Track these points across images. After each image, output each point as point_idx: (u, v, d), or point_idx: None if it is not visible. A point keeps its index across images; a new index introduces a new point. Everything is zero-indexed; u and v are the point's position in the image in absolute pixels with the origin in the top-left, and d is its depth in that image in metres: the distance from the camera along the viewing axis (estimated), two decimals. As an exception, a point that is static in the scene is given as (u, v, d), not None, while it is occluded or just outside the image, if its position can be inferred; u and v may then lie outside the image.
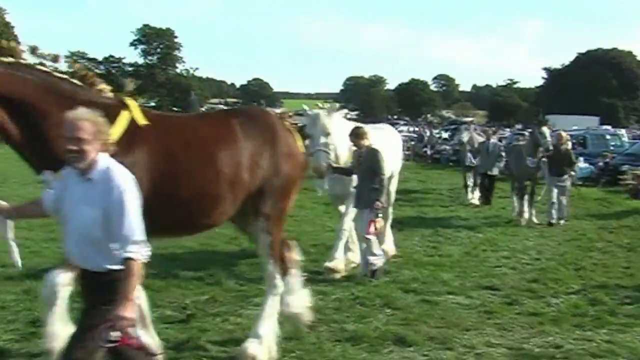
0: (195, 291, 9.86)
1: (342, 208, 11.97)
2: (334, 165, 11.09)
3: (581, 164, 30.31)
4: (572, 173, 18.17)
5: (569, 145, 27.11)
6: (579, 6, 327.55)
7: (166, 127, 6.64)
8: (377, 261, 10.96)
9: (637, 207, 20.52)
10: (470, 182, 22.35)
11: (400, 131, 51.56)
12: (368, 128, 11.99)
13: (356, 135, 11.00)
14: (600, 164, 30.11)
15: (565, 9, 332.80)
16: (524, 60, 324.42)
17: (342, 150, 11.46)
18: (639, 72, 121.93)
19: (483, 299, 9.92)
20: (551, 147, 17.27)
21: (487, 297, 10.01)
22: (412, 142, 44.94)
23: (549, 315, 9.09)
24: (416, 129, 60.73)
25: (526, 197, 17.73)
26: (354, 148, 11.20)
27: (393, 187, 13.23)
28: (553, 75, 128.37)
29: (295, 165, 7.35)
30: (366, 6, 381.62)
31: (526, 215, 17.60)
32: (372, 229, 10.85)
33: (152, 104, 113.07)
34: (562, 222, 17.10)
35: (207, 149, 6.60)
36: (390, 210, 13.31)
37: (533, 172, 17.87)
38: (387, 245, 12.45)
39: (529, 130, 22.82)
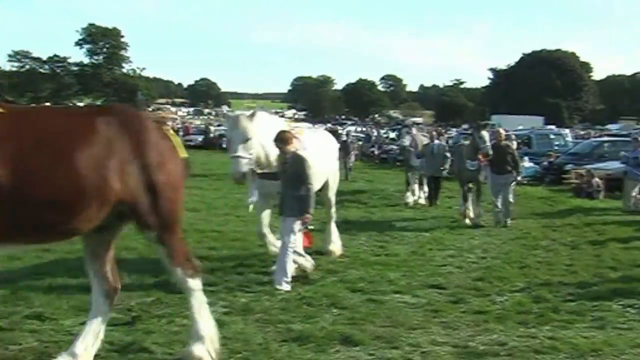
0: (141, 293, 9.76)
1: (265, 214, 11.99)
2: (258, 171, 10.88)
3: (526, 163, 30.74)
4: (516, 174, 17.63)
5: (514, 144, 27.55)
6: (525, 7, 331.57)
7: (19, 120, 6.10)
8: (289, 275, 10.32)
9: (580, 206, 20.88)
10: (415, 184, 22.21)
11: (348, 131, 51.93)
12: (303, 130, 12.00)
13: (281, 140, 10.48)
14: (545, 163, 30.58)
15: (512, 10, 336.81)
16: (471, 61, 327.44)
17: (273, 153, 10.99)
18: (582, 73, 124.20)
19: (429, 297, 9.96)
20: (491, 152, 16.99)
21: (433, 296, 10.05)
22: (360, 142, 45.20)
23: (493, 313, 9.15)
24: (364, 129, 60.96)
25: (471, 198, 17.79)
26: (280, 153, 10.72)
27: (332, 191, 12.96)
28: (499, 75, 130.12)
29: (171, 174, 6.88)
30: (314, 5, 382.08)
31: (471, 214, 17.61)
32: (305, 242, 11.00)
33: (99, 103, 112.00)
34: (509, 221, 16.98)
35: (63, 148, 6.05)
36: (333, 211, 13.09)
37: (474, 174, 17.70)
38: (334, 246, 12.49)
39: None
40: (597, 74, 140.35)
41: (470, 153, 17.40)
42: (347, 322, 8.59)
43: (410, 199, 21.59)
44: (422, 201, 21.77)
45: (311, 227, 10.94)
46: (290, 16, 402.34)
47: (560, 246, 14.36)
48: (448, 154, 20.92)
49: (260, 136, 10.69)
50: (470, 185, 17.85)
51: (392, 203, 21.63)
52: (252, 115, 10.70)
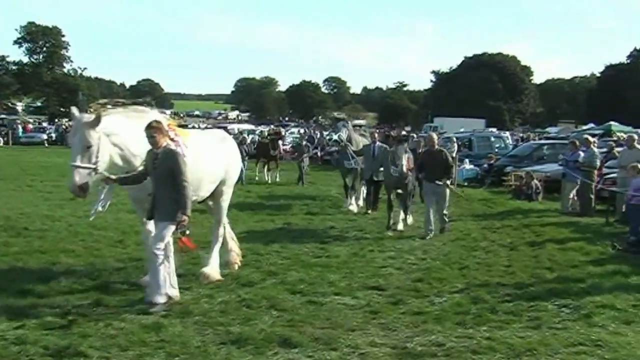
0: (79, 296, 9.64)
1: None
2: (112, 177, 9.45)
3: (467, 165, 31.13)
4: (448, 182, 16.74)
5: (455, 147, 27.80)
6: (467, 10, 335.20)
7: None
8: (164, 293, 9.24)
9: (519, 207, 21.13)
10: (354, 188, 20.97)
11: (291, 132, 51.71)
12: (187, 132, 11.14)
13: (151, 130, 9.19)
14: (485, 165, 30.89)
15: (453, 13, 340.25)
16: (414, 63, 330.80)
17: (136, 153, 9.71)
18: (522, 77, 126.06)
19: (369, 299, 10.00)
20: (404, 170, 16.26)
21: (373, 297, 10.09)
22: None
23: (432, 314, 9.23)
24: (307, 130, 60.95)
25: (399, 205, 17.25)
26: (150, 149, 9.42)
27: (224, 202, 11.60)
28: (441, 78, 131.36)
29: None
30: (257, 6, 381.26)
31: (400, 226, 16.78)
32: (181, 246, 9.84)
33: (38, 104, 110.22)
34: (446, 226, 16.43)
35: None
36: (221, 232, 11.48)
37: (401, 180, 16.61)
38: (210, 269, 10.90)
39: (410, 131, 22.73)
40: (537, 78, 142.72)
41: (394, 159, 16.34)
42: (286, 324, 8.60)
43: (353, 206, 20.38)
44: (354, 208, 20.33)
45: (188, 231, 9.74)
46: (233, 16, 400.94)
47: (499, 247, 14.51)
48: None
49: (118, 136, 9.42)
50: (399, 191, 17.06)
51: (334, 205, 21.62)
52: (96, 119, 9.13)
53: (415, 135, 31.33)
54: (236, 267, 11.68)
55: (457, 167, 29.22)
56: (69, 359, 7.18)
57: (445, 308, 9.53)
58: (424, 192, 17.25)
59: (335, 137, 21.72)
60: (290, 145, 47.44)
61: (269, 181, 30.42)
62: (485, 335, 8.29)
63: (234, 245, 11.98)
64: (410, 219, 17.49)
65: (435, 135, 17.78)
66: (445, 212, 16.55)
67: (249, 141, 39.12)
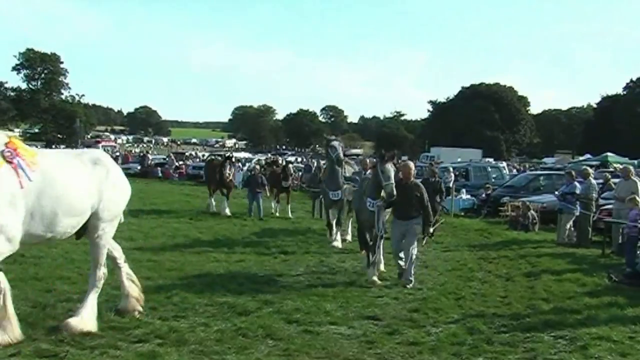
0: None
1: None
2: None
3: (464, 195, 31.20)
4: (426, 224, 14.32)
5: (452, 176, 27.84)
6: (462, 41, 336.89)
7: None
8: None
9: (515, 238, 21.15)
10: (341, 221, 19.20)
11: (289, 161, 51.73)
12: (34, 152, 8.83)
13: None
14: (482, 195, 30.93)
15: (449, 44, 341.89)
16: (411, 93, 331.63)
17: None
18: (519, 107, 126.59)
19: (365, 329, 9.97)
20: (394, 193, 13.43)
21: (369, 327, 10.07)
22: (300, 173, 45.27)
23: (428, 344, 9.21)
24: (304, 159, 61.04)
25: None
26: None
27: (101, 235, 9.98)
28: (438, 108, 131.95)
29: None
30: (255, 35, 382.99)
31: (381, 266, 14.71)
32: None
33: (36, 130, 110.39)
34: (409, 283, 13.38)
35: None
36: (99, 274, 10.05)
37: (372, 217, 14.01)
38: (129, 303, 10.12)
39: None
40: (534, 108, 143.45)
41: (371, 190, 14.02)
42: (282, 353, 8.58)
43: (338, 242, 18.56)
44: (339, 244, 18.48)
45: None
46: (231, 45, 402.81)
47: (495, 278, 14.51)
48: None
49: None
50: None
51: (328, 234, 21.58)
52: None
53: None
54: (137, 314, 10.08)
55: (453, 197, 29.32)
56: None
57: (441, 338, 9.50)
58: (391, 233, 14.42)
59: (342, 159, 19.20)
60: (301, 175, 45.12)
61: (277, 214, 27.35)
62: (481, 366, 8.28)
63: (132, 288, 10.35)
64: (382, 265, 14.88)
65: (411, 165, 14.85)
66: (413, 256, 13.66)
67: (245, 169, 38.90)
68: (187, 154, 75.39)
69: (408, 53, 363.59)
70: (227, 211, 26.05)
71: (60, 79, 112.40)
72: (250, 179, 28.16)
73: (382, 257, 14.75)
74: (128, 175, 39.12)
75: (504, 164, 53.85)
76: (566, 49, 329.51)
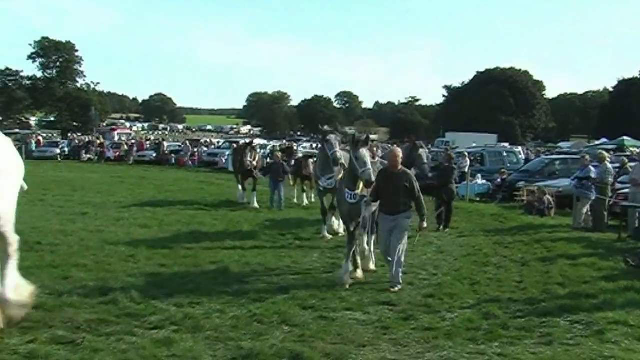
0: (89, 310, 9.63)
1: None
2: None
3: (479, 180, 31.09)
4: (420, 218, 12.27)
5: (467, 162, 27.66)
6: (475, 26, 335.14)
7: None
8: None
9: (531, 223, 21.05)
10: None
11: (304, 147, 51.47)
12: None
13: None
14: (497, 180, 30.81)
15: (464, 29, 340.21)
16: (426, 78, 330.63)
17: None
18: (535, 92, 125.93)
19: (380, 314, 9.99)
20: (373, 179, 12.02)
21: (384, 313, 10.08)
22: (316, 159, 45.32)
23: (443, 329, 9.20)
24: (319, 145, 60.98)
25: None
26: None
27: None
28: (453, 93, 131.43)
29: None
30: (269, 23, 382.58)
31: (371, 265, 13.45)
32: None
33: (51, 118, 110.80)
34: (395, 289, 11.57)
35: None
36: (13, 249, 9.33)
37: (355, 208, 12.52)
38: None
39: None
40: (549, 93, 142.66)
41: (348, 179, 12.69)
42: (297, 339, 8.59)
43: (326, 232, 17.54)
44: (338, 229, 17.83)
45: None
46: (246, 32, 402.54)
47: (510, 263, 14.46)
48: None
49: None
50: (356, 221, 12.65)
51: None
52: None
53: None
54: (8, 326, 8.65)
55: (469, 182, 29.22)
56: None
57: (457, 324, 9.50)
58: (379, 231, 12.85)
59: (339, 158, 16.19)
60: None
61: (305, 203, 25.67)
62: (497, 351, 8.26)
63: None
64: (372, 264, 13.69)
65: (398, 151, 12.72)
66: (401, 257, 12.01)
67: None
68: (202, 140, 75.40)
69: (423, 38, 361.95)
70: (256, 204, 24.29)
71: (75, 67, 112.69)
72: (271, 166, 26.30)
73: (373, 255, 13.62)
74: (144, 162, 39.77)
75: (520, 148, 53.57)
76: (582, 32, 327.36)
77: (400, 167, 12.24)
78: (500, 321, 9.62)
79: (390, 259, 11.98)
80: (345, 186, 12.64)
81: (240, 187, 26.28)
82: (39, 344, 7.96)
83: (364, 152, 12.14)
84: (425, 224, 12.34)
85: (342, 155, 16.05)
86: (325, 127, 17.63)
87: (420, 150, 19.05)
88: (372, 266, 13.41)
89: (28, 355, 7.61)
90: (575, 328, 9.40)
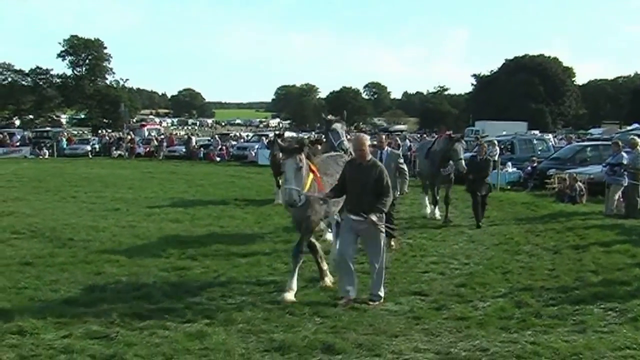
0: (123, 305, 9.72)
1: None
2: None
3: (509, 168, 30.90)
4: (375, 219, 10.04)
5: (497, 150, 27.59)
6: (504, 15, 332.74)
7: None
8: None
9: (562, 211, 20.89)
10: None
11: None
12: None
13: None
14: (528, 168, 30.60)
15: (490, 18, 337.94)
16: (454, 68, 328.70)
17: None
18: (564, 78, 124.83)
19: (411, 304, 9.98)
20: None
21: (416, 303, 10.07)
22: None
23: (475, 319, 9.18)
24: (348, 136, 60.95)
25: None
26: None
27: None
28: (482, 81, 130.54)
29: None
30: (296, 15, 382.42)
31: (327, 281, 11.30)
32: None
33: (82, 116, 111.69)
34: (373, 303, 10.03)
35: None
36: None
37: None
38: None
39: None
40: (580, 79, 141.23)
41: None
42: (329, 330, 8.61)
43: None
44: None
45: None
46: (273, 25, 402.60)
47: (542, 251, 14.37)
48: (404, 167, 15.09)
49: None
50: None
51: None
52: None
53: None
54: None
55: (499, 171, 29.05)
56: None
57: (489, 313, 9.47)
58: (340, 234, 11.04)
59: (344, 142, 15.57)
60: None
61: None
62: (530, 339, 8.22)
63: None
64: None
65: (364, 139, 10.51)
66: (382, 268, 10.37)
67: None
68: (231, 134, 75.59)
69: (451, 27, 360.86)
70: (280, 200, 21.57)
71: (104, 65, 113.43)
72: None
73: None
74: (174, 157, 39.88)
75: (550, 136, 53.12)
76: (611, 19, 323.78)
77: (369, 158, 10.30)
78: (533, 309, 9.57)
79: (349, 271, 10.15)
80: (441, 166, 11.69)
81: (278, 186, 23.13)
82: (73, 339, 8.05)
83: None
84: (375, 217, 9.88)
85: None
86: (330, 117, 16.95)
87: (456, 144, 18.67)
88: (327, 282, 11.28)
89: (63, 350, 7.69)
90: (609, 315, 9.31)
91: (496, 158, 30.17)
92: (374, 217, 9.83)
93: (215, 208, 21.21)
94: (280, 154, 11.12)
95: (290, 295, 10.15)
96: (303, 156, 10.38)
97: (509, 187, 29.56)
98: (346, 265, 10.15)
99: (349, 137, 15.84)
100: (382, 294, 10.20)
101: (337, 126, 16.11)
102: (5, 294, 10.24)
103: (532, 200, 24.20)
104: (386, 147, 15.23)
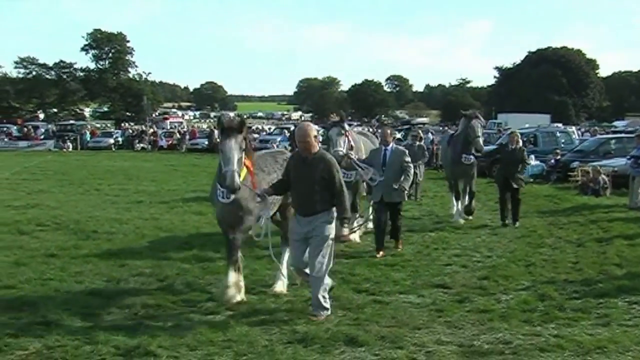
0: (146, 296, 9.79)
1: None
2: None
3: (532, 161, 30.72)
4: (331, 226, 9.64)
5: (520, 143, 27.44)
6: (526, 6, 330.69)
7: None
8: None
9: (586, 203, 20.80)
10: (356, 206, 14.89)
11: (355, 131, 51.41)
12: None
13: None
14: (551, 161, 30.46)
15: (513, 9, 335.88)
16: (476, 60, 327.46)
17: None
18: (588, 70, 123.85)
19: (434, 297, 9.96)
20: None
21: (438, 296, 10.06)
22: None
23: (498, 311, 9.15)
24: (370, 130, 60.88)
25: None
26: None
27: None
28: (504, 74, 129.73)
29: None
30: (317, 8, 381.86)
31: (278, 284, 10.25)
32: None
33: (105, 109, 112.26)
34: (316, 318, 8.73)
35: None
36: None
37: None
38: None
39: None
40: (603, 71, 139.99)
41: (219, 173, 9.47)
42: (352, 322, 8.62)
43: (355, 235, 14.32)
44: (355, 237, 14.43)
45: None
46: (293, 18, 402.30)
47: (565, 244, 14.30)
48: (410, 165, 13.60)
49: None
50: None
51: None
52: None
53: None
54: None
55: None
56: (139, 358, 7.29)
57: (512, 306, 9.45)
58: (289, 235, 9.82)
59: (339, 150, 13.95)
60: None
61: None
62: (553, 332, 8.20)
63: None
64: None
65: (309, 128, 9.18)
66: (323, 277, 8.94)
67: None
68: (253, 127, 75.68)
69: (472, 19, 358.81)
70: None
71: (127, 58, 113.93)
72: None
73: (283, 272, 10.35)
74: (196, 150, 40.00)
75: (574, 128, 52.77)
76: (635, 7, 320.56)
77: (316, 150, 9.06)
78: (556, 302, 9.54)
79: (308, 277, 9.14)
80: (218, 180, 9.41)
81: None
82: (98, 330, 8.10)
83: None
84: (346, 231, 9.52)
85: (357, 144, 14.70)
86: (332, 117, 15.12)
87: (473, 121, 17.38)
88: (278, 288, 10.20)
89: (88, 341, 7.74)
90: (634, 309, 9.27)
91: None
92: (345, 232, 9.31)
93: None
94: (219, 133, 9.48)
95: (231, 292, 9.37)
96: (242, 138, 9.19)
97: (531, 179, 29.42)
98: (299, 273, 9.46)
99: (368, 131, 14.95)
100: (326, 305, 8.93)
101: (333, 132, 14.42)
102: (31, 285, 10.33)
103: (555, 193, 24.11)
104: (391, 143, 13.88)
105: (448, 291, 10.33)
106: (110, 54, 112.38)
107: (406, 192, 13.76)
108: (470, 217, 17.39)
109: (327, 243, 8.92)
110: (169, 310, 9.11)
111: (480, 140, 17.34)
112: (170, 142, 59.04)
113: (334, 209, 9.04)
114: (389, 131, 14.27)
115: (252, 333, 8.12)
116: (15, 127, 69.51)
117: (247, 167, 9.44)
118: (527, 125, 48.88)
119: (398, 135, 48.87)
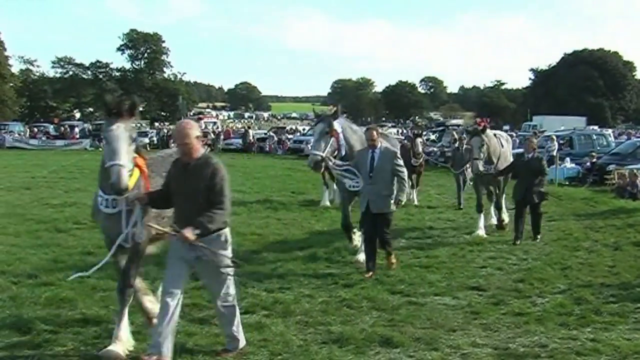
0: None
1: None
2: None
3: (568, 164, 30.56)
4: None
5: (555, 145, 27.30)
6: (564, 7, 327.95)
7: None
8: None
9: (622, 207, 20.59)
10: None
11: (416, 134, 51.75)
12: None
13: None
14: (587, 164, 30.24)
15: (550, 10, 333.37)
16: (512, 62, 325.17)
17: None
18: (625, 72, 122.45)
19: (469, 299, 9.94)
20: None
21: (473, 298, 10.04)
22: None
23: (534, 314, 9.12)
24: (404, 131, 60.72)
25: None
26: None
27: None
28: (540, 75, 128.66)
29: None
30: (351, 9, 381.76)
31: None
32: None
33: (140, 108, 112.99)
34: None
35: None
36: None
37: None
38: None
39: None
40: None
41: (103, 176, 7.35)
42: (387, 324, 8.64)
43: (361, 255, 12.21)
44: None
45: None
46: (328, 19, 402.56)
47: (602, 247, 14.19)
48: (403, 169, 11.81)
49: None
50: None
51: (433, 205, 21.46)
52: None
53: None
54: None
55: (557, 166, 28.71)
56: (176, 357, 7.34)
57: (548, 309, 9.40)
58: (167, 258, 7.75)
59: (317, 154, 12.14)
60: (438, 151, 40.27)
61: (416, 202, 21.65)
62: (590, 336, 8.15)
63: None
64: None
65: (191, 125, 7.68)
66: (233, 311, 7.66)
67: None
68: (287, 128, 75.84)
69: (508, 21, 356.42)
70: (327, 202, 20.65)
71: (162, 58, 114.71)
72: None
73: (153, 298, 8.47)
74: (230, 150, 40.22)
75: (610, 131, 52.26)
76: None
77: (198, 155, 7.35)
78: (592, 306, 9.48)
79: (167, 314, 7.18)
80: (100, 186, 7.53)
81: (326, 185, 20.98)
82: (134, 327, 8.15)
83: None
84: (189, 233, 6.88)
85: (350, 145, 12.46)
86: (332, 108, 13.31)
87: (474, 138, 15.55)
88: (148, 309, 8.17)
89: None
90: (672, 313, 9.19)
91: (554, 153, 29.88)
92: (188, 233, 6.83)
93: (272, 200, 21.34)
94: (107, 118, 7.32)
95: (116, 348, 7.31)
96: (132, 126, 7.48)
97: (567, 182, 29.25)
98: (164, 305, 7.25)
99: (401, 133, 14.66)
100: (242, 343, 7.57)
101: (316, 130, 12.81)
102: (69, 283, 10.41)
103: (591, 196, 23.89)
104: (379, 145, 11.73)
105: (483, 293, 10.31)
106: (146, 54, 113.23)
107: (400, 203, 12.11)
108: (505, 220, 16.82)
109: (225, 277, 7.57)
110: (205, 309, 9.14)
111: (480, 163, 15.27)
112: (204, 141, 59.21)
113: (227, 230, 7.48)
114: (374, 132, 11.85)
115: (287, 333, 8.16)
116: (52, 126, 70.14)
117: (139, 167, 7.54)
118: (562, 128, 48.57)
119: (432, 137, 48.78)
